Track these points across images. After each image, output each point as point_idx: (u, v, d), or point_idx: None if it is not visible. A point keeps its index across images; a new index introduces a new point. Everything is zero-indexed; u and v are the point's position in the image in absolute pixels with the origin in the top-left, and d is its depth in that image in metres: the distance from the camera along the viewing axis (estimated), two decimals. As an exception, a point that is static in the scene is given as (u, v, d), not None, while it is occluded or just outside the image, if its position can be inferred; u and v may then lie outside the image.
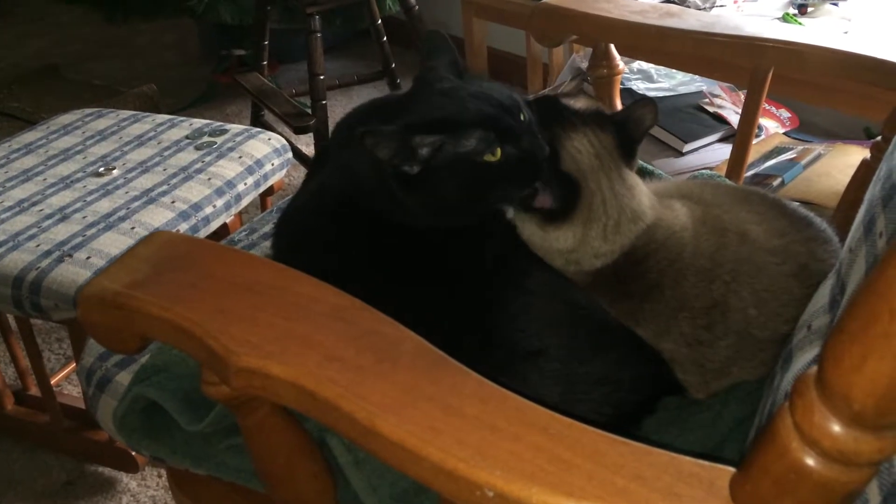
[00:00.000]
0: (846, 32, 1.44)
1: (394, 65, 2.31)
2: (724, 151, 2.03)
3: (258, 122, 2.33)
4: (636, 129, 0.78)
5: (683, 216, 0.76)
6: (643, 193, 0.76)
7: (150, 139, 1.52)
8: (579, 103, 0.79)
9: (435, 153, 0.69)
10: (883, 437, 0.34)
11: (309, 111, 2.04)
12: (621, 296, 0.73)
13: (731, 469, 0.42)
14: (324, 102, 2.04)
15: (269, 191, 1.53)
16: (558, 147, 0.74)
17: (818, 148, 1.85)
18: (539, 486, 0.42)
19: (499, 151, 0.69)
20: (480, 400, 0.48)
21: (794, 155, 1.84)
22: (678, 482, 0.42)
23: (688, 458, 0.43)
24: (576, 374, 0.68)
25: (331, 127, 2.04)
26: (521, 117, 0.72)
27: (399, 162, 0.69)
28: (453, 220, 0.74)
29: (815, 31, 1.35)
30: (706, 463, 0.43)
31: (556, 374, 0.68)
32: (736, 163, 1.12)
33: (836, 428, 0.35)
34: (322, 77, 2.02)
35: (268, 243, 0.98)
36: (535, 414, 0.47)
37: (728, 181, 1.08)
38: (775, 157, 1.87)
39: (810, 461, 0.36)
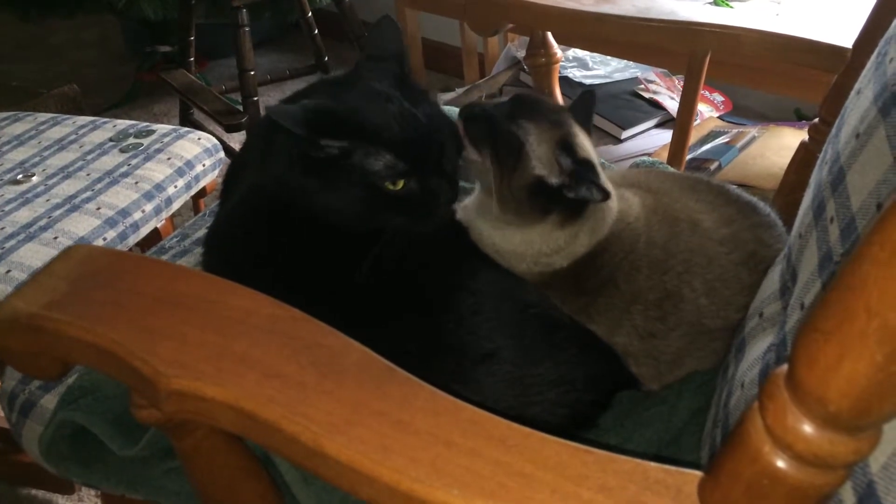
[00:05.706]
0: (777, 15, 1.46)
1: (326, 58, 2.26)
2: (661, 137, 2.05)
3: (187, 121, 2.25)
4: (587, 120, 0.77)
5: (636, 206, 0.74)
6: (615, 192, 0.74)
7: (71, 143, 1.44)
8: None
9: (344, 156, 0.66)
10: (859, 438, 0.33)
11: (240, 108, 1.97)
12: (576, 292, 0.71)
13: (699, 474, 0.40)
14: (255, 98, 1.98)
15: (202, 193, 1.47)
16: (573, 141, 0.71)
17: (752, 130, 1.88)
18: (500, 503, 0.40)
19: (401, 183, 0.67)
20: (433, 413, 0.45)
21: (729, 138, 1.86)
22: (645, 490, 0.40)
23: (653, 465, 0.41)
24: (529, 375, 0.66)
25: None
26: (444, 153, 0.69)
27: (306, 147, 0.66)
28: (341, 222, 0.70)
29: (747, 15, 1.35)
30: (673, 468, 0.41)
31: (509, 376, 0.65)
32: (677, 149, 1.12)
33: (810, 430, 0.33)
34: (252, 72, 1.97)
35: (201, 250, 0.93)
36: (492, 425, 0.44)
37: (671, 168, 1.08)
38: (711, 141, 1.89)
39: (783, 465, 0.34)
